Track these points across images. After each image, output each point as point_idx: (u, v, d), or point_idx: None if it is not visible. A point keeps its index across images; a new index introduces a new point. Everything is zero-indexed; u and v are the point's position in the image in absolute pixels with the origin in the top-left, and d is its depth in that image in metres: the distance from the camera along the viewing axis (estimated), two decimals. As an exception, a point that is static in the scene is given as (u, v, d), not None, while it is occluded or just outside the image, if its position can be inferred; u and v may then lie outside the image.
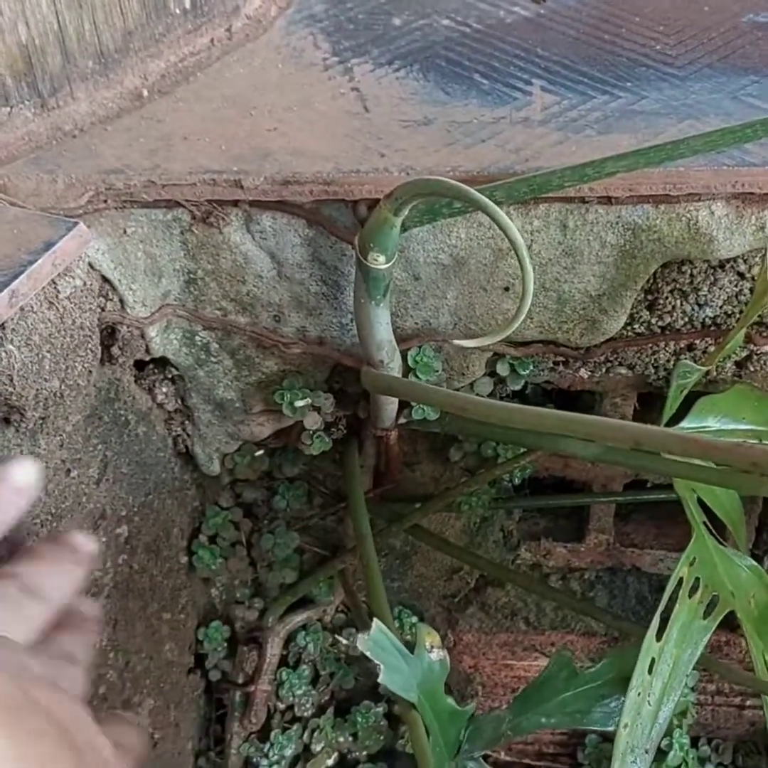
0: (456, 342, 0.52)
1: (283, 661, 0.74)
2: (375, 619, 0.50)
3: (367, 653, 0.49)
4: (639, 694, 0.50)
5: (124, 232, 0.55)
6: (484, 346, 0.55)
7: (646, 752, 0.51)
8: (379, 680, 0.49)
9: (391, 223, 0.51)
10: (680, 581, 0.52)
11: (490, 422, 0.55)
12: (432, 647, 0.51)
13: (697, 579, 0.53)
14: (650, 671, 0.51)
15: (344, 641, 0.74)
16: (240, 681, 0.73)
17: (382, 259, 0.52)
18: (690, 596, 0.52)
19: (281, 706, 0.75)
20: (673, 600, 0.52)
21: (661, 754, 0.72)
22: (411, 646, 0.53)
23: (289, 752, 0.73)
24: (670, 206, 0.54)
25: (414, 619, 0.73)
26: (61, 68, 0.57)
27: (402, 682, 0.50)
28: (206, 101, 0.59)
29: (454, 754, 0.54)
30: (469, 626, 0.74)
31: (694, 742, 0.76)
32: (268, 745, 0.73)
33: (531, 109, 0.58)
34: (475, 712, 0.54)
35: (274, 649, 0.72)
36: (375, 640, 0.49)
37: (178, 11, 0.61)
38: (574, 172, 0.51)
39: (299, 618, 0.73)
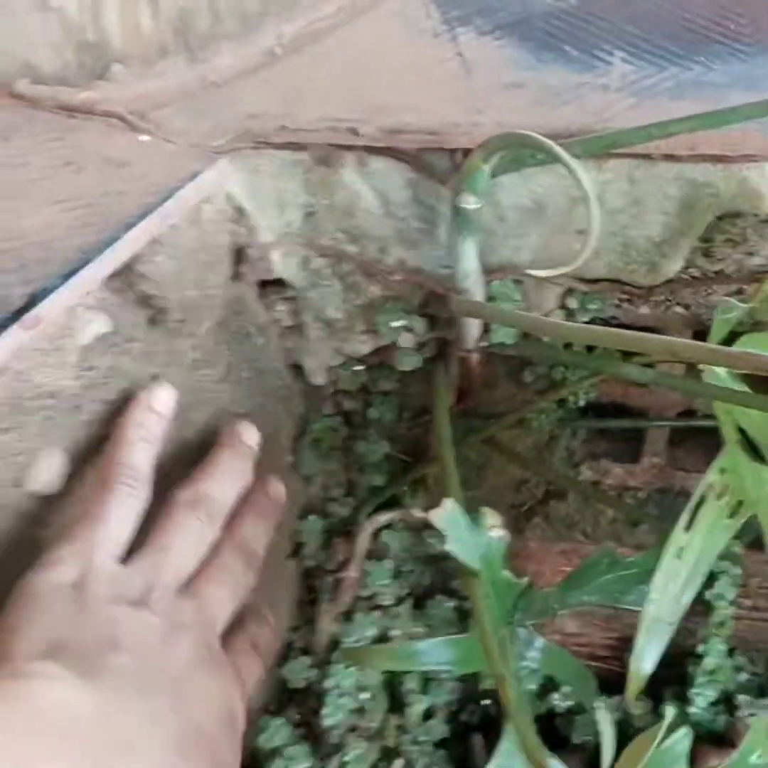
0: (528, 271, 0.62)
1: (369, 555, 0.84)
2: (445, 498, 0.60)
3: (438, 525, 0.59)
4: (667, 573, 0.60)
5: (257, 169, 0.66)
6: (553, 276, 0.64)
7: (669, 625, 0.60)
8: (446, 547, 0.59)
9: (481, 170, 0.60)
10: (710, 486, 0.61)
11: (557, 346, 0.64)
12: (493, 526, 0.61)
13: (726, 486, 0.62)
14: (678, 557, 0.60)
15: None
16: (332, 568, 0.84)
17: (472, 200, 0.62)
18: (718, 499, 0.61)
19: (365, 594, 0.85)
20: (702, 500, 0.61)
21: (698, 658, 0.81)
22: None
23: (369, 633, 0.83)
24: (726, 165, 0.62)
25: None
26: (210, 27, 0.67)
27: (466, 552, 0.60)
28: (331, 61, 0.69)
29: (508, 622, 0.64)
30: (534, 534, 0.84)
31: (730, 653, 0.85)
32: (352, 625, 0.83)
33: (610, 76, 0.66)
34: (527, 585, 0.64)
35: (362, 543, 0.82)
36: (445, 514, 0.59)
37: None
38: (641, 132, 0.60)
39: (385, 517, 0.83)
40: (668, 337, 0.56)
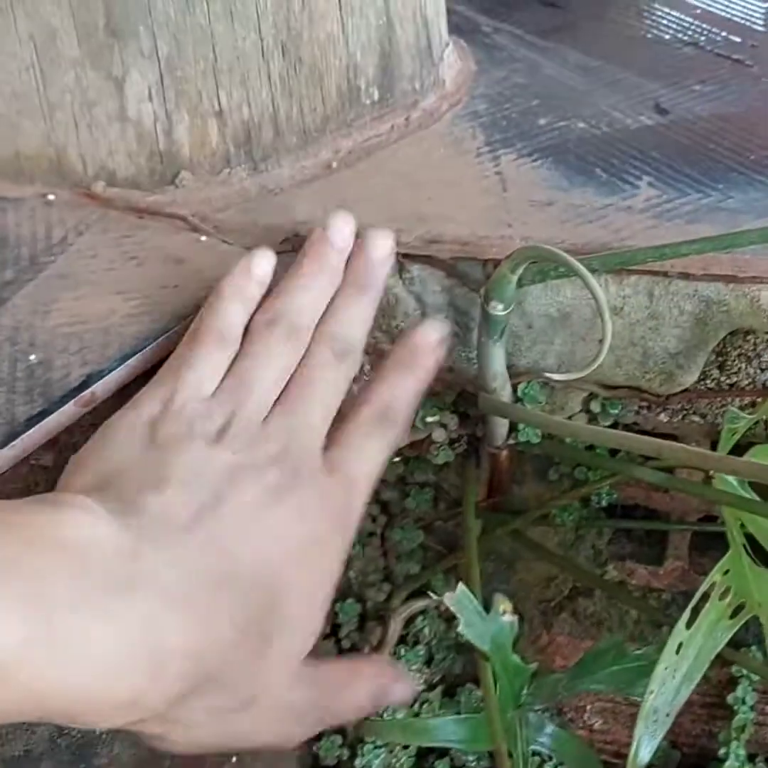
0: (547, 375, 0.66)
1: (404, 641, 0.88)
2: (460, 582, 0.64)
3: (451, 607, 0.63)
4: (666, 668, 0.62)
5: (305, 269, 0.72)
6: (573, 381, 0.68)
7: (667, 716, 0.63)
8: (458, 630, 0.63)
9: (508, 280, 0.65)
10: (713, 585, 0.64)
11: (580, 448, 0.69)
12: (504, 611, 0.65)
13: (729, 587, 0.65)
14: (677, 652, 0.63)
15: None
16: (366, 651, 0.88)
17: (500, 307, 0.67)
18: (720, 599, 0.64)
19: (398, 678, 0.89)
20: (705, 598, 0.64)
21: (719, 762, 0.83)
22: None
23: (400, 716, 0.86)
24: (737, 285, 0.67)
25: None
26: (271, 141, 0.74)
27: (477, 635, 0.64)
28: (381, 174, 0.75)
29: (517, 705, 0.67)
30: (561, 630, 0.87)
31: (751, 758, 0.86)
32: (383, 708, 0.86)
33: (635, 199, 0.72)
34: (536, 670, 0.67)
35: (396, 627, 0.86)
36: (459, 598, 0.63)
37: (367, 102, 0.78)
38: (655, 251, 0.64)
39: (419, 604, 0.87)
40: (675, 444, 0.60)
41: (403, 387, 0.61)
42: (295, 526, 0.52)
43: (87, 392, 0.59)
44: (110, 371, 0.61)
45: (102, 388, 0.60)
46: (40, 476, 0.65)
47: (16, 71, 0.68)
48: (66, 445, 0.61)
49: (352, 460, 0.57)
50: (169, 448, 0.52)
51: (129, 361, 0.61)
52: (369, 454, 0.58)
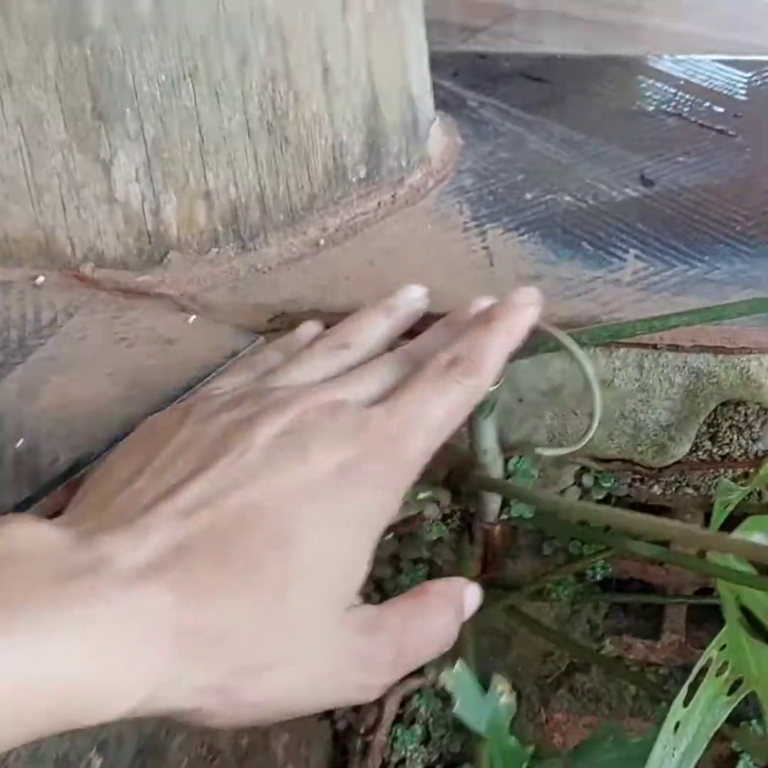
0: (538, 450, 0.66)
1: (398, 719, 0.87)
2: (459, 659, 0.63)
3: (448, 687, 0.62)
4: (664, 748, 0.61)
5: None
6: (563, 455, 0.68)
7: (667, 796, 0.62)
8: (455, 710, 0.62)
9: (497, 354, 0.65)
10: (710, 661, 0.63)
11: (573, 522, 0.68)
12: (501, 692, 0.64)
13: (726, 662, 0.64)
14: (675, 731, 0.62)
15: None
16: (362, 731, 0.86)
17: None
18: (717, 675, 0.63)
19: (394, 758, 0.87)
20: (702, 674, 0.63)
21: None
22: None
23: (401, 796, 0.85)
24: (726, 356, 0.67)
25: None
26: (259, 220, 0.74)
27: (473, 716, 0.63)
28: (368, 252, 0.75)
29: (515, 789, 0.66)
30: (560, 706, 0.85)
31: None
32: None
33: (623, 272, 0.72)
34: (534, 753, 0.66)
35: (391, 707, 0.85)
36: (456, 677, 0.62)
37: (354, 180, 0.78)
38: (644, 324, 0.64)
39: (415, 682, 0.86)
40: (667, 521, 0.60)
41: (488, 341, 0.54)
42: (321, 455, 0.46)
43: (75, 478, 0.59)
44: (99, 455, 0.60)
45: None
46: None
47: (4, 155, 0.69)
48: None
49: (414, 403, 0.50)
50: (178, 430, 0.48)
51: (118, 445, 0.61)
52: (437, 402, 0.51)
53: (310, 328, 0.60)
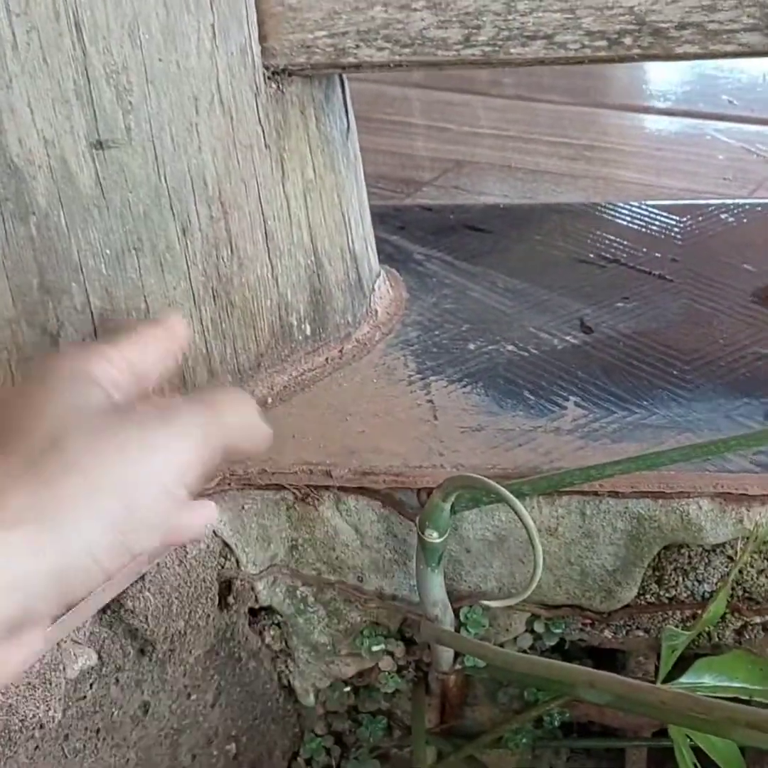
0: (484, 603, 0.67)
1: None
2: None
3: None
4: None
5: (243, 507, 0.73)
6: (509, 605, 0.68)
7: None
8: None
9: (441, 508, 0.67)
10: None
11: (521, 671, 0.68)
12: None
13: (683, 809, 0.64)
14: None
15: None
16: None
17: (435, 535, 0.68)
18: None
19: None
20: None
21: None
22: None
23: None
24: (665, 500, 0.68)
25: None
26: (206, 381, 0.76)
27: None
28: (314, 408, 0.77)
29: None
30: None
31: None
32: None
33: (563, 420, 0.73)
34: None
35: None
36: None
37: (300, 338, 0.80)
38: (582, 473, 0.66)
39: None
40: (607, 675, 0.60)
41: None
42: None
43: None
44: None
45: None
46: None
47: (-47, 331, 0.71)
48: None
49: None
50: None
51: (64, 617, 0.61)
52: None
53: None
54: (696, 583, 0.71)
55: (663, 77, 1.64)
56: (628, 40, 0.68)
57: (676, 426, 0.72)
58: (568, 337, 0.83)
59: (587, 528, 0.70)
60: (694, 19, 0.66)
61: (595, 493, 0.69)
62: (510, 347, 0.82)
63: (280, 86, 0.75)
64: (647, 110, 1.52)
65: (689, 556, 0.70)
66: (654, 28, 0.68)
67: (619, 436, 0.71)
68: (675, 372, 0.77)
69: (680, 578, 0.71)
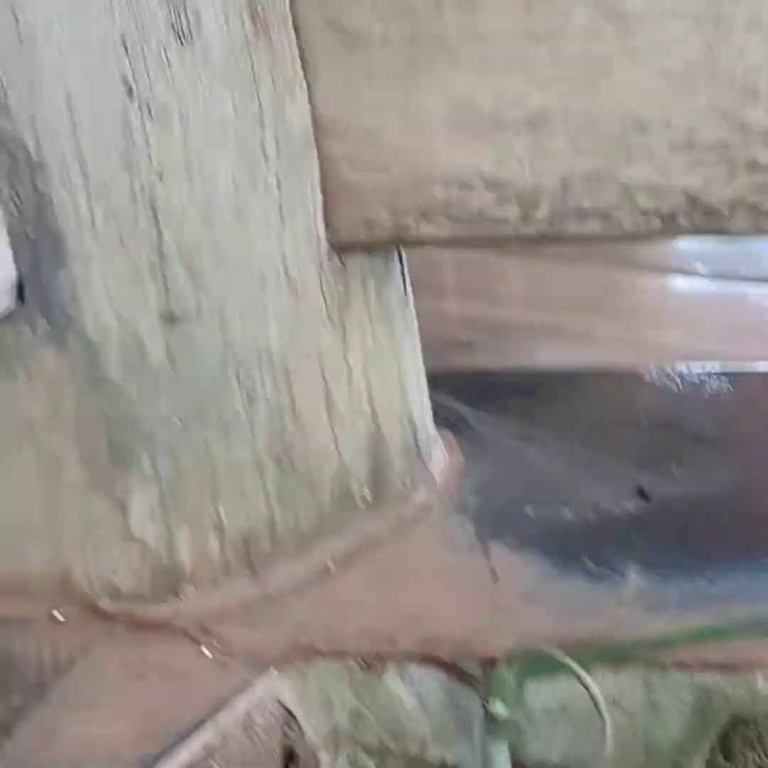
0: (552, 776, 0.66)
1: None
2: None
3: None
4: None
5: (305, 675, 0.72)
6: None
7: None
8: None
9: (506, 678, 0.67)
10: None
11: None
12: None
13: None
14: None
15: None
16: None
17: (500, 705, 0.67)
18: None
19: None
20: None
21: None
22: None
23: None
24: (733, 672, 0.68)
25: None
26: (269, 548, 0.77)
27: None
28: (375, 574, 0.78)
29: None
30: None
31: None
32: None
33: (624, 588, 0.74)
34: None
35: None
36: None
37: (361, 504, 0.81)
38: (647, 644, 0.66)
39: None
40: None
41: None
42: None
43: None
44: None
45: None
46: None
47: (23, 496, 0.72)
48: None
49: None
50: None
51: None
52: None
53: None
54: (764, 757, 0.70)
55: (702, 239, 1.68)
56: (681, 220, 0.71)
57: (740, 597, 0.72)
58: (625, 503, 0.84)
59: (652, 698, 0.69)
60: (747, 199, 0.69)
61: (661, 664, 0.68)
62: (568, 512, 0.83)
63: (342, 260, 0.78)
64: (687, 272, 1.55)
65: (757, 730, 0.69)
66: (707, 207, 0.70)
67: (683, 607, 0.71)
68: (735, 540, 0.78)
69: (748, 751, 0.70)
